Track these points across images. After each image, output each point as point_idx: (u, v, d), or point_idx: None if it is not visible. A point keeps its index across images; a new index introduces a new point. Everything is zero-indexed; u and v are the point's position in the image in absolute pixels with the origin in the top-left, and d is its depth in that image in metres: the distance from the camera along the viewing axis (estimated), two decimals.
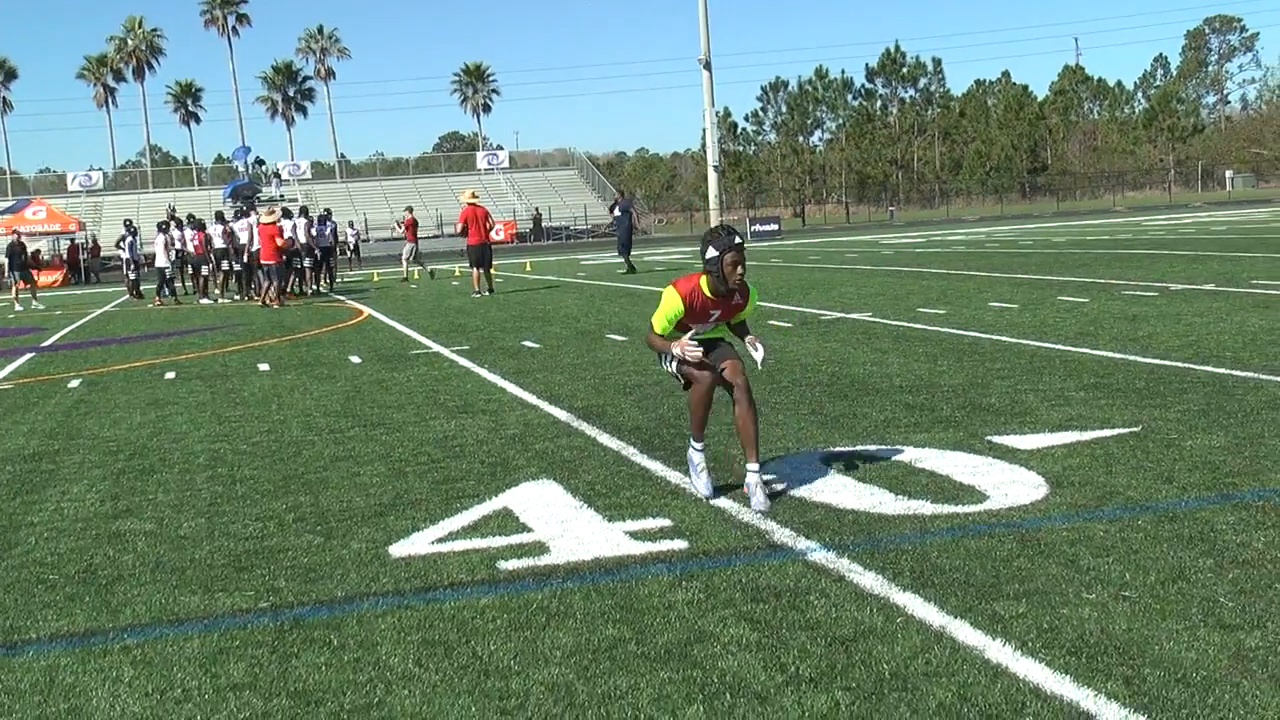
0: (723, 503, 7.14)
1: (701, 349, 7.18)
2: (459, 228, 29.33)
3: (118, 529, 7.47)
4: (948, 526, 6.38)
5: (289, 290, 33.13)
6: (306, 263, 34.11)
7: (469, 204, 28.80)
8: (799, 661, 4.67)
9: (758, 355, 7.40)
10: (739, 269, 7.12)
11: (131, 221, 38.95)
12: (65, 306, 36.56)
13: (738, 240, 7.15)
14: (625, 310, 21.25)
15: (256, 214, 33.02)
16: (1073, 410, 9.27)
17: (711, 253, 7.10)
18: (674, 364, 7.37)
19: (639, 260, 41.01)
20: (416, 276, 39.04)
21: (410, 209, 42.47)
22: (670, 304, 7.23)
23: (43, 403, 13.55)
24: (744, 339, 7.58)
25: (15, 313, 34.41)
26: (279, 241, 29.61)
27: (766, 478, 7.48)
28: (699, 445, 7.50)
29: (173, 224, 35.80)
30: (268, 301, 29.17)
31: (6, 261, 38.81)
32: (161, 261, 34.67)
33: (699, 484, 7.46)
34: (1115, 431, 8.40)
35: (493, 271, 28.84)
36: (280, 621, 5.52)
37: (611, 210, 39.20)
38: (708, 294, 7.24)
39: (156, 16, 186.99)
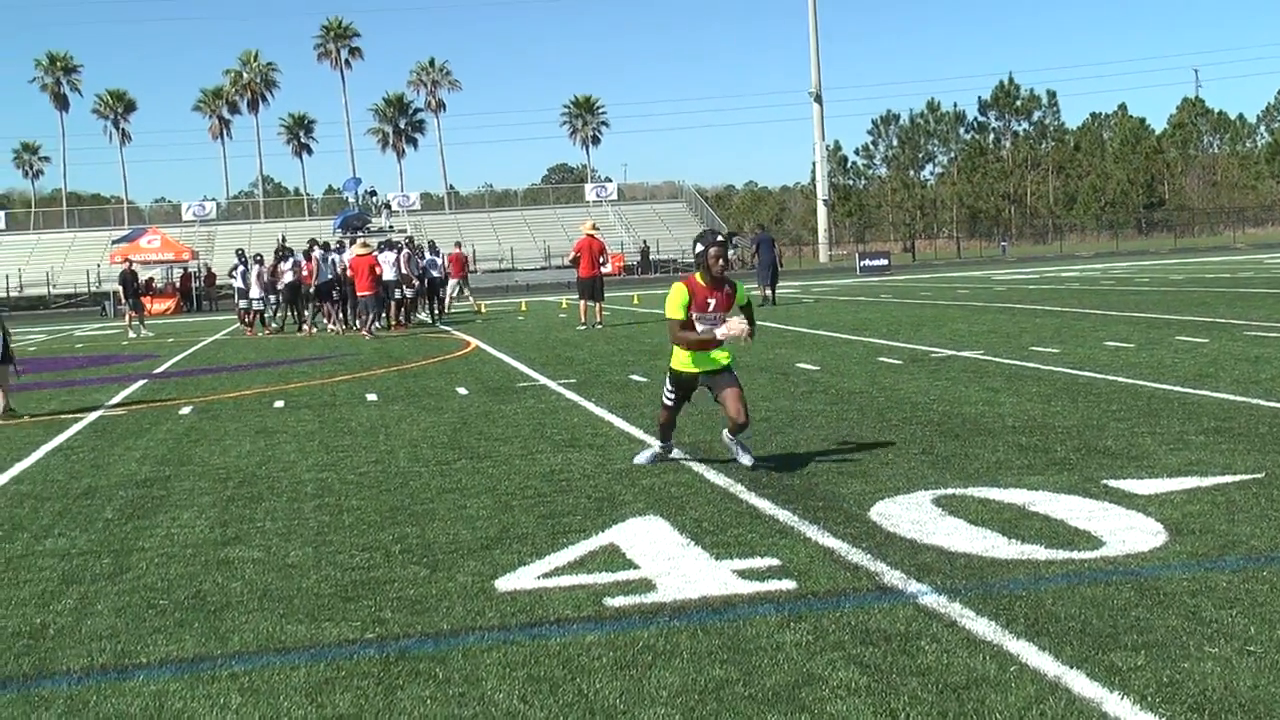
0: (831, 542, 7.06)
1: (744, 327, 9.12)
2: (570, 258, 29.32)
3: (226, 556, 7.55)
4: (1063, 573, 6.25)
5: (398, 321, 33.51)
6: (407, 293, 34.20)
7: (588, 235, 28.81)
8: (909, 708, 4.59)
9: (731, 328, 9.04)
10: (719, 260, 9.05)
11: (243, 251, 39.57)
12: (177, 334, 37.29)
13: (719, 238, 9.12)
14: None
15: (348, 246, 33.27)
16: (1192, 454, 9.06)
17: (699, 248, 9.15)
18: (664, 396, 9.63)
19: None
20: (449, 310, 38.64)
21: (459, 244, 42.45)
22: (677, 292, 9.10)
23: (154, 429, 13.79)
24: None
25: (129, 339, 35.13)
26: (378, 271, 29.92)
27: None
28: (657, 444, 9.95)
29: (285, 252, 36.00)
30: (367, 333, 29.34)
31: (120, 290, 39.50)
32: (255, 292, 34.89)
33: (638, 458, 9.89)
34: (1238, 478, 8.18)
35: (602, 305, 28.84)
36: (386, 653, 5.53)
37: (754, 246, 38.93)
38: (702, 283, 9.16)
39: (271, 50, 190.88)
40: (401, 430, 12.65)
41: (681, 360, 9.35)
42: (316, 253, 33.85)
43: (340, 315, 33.94)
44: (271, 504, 9.15)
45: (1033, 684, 4.76)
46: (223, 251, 54.48)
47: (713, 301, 9.16)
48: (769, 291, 35.06)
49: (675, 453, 10.13)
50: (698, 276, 9.23)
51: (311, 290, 33.75)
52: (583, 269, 28.54)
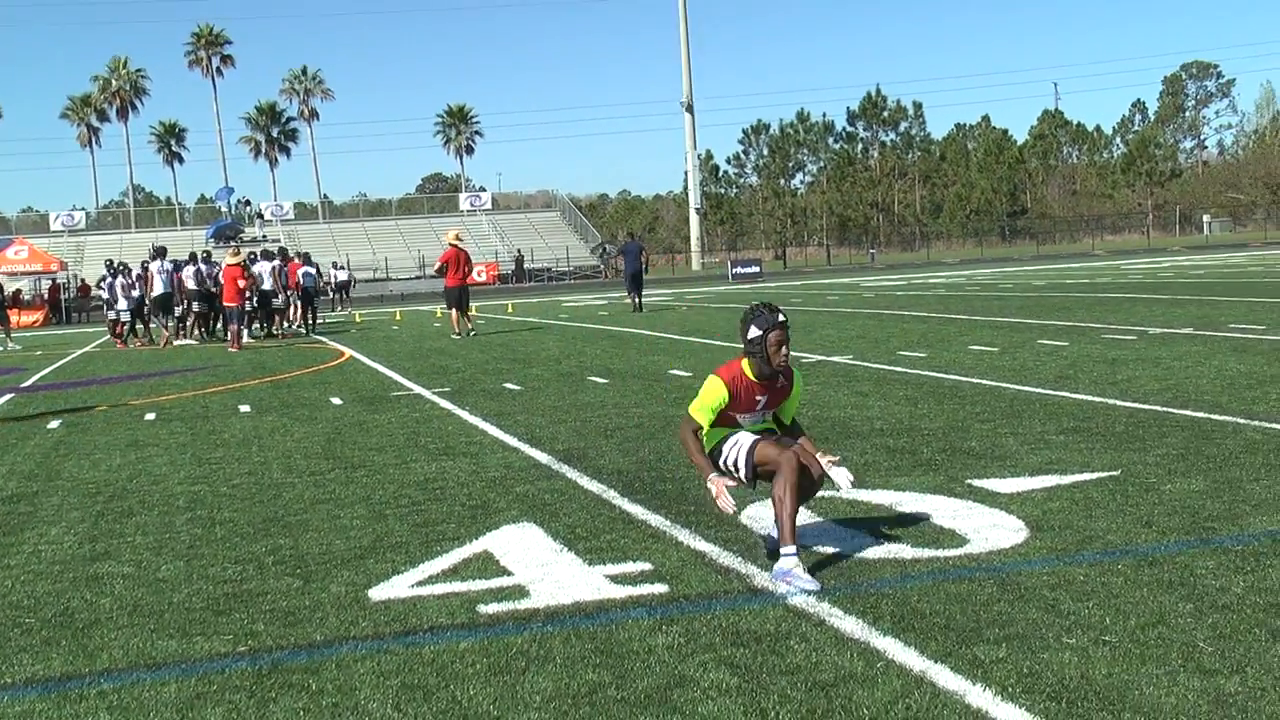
0: (703, 546, 7.12)
1: (742, 453, 6.75)
2: (438, 268, 29.32)
3: (96, 572, 7.41)
4: (928, 570, 6.37)
5: (277, 330, 33.12)
6: (279, 302, 33.86)
7: (452, 245, 28.95)
8: (779, 707, 4.64)
9: (841, 478, 6.61)
10: (784, 349, 6.74)
11: (113, 261, 38.72)
12: (45, 346, 36.39)
13: (782, 318, 6.77)
14: (607, 353, 21.24)
15: (259, 256, 32.73)
16: (1052, 454, 9.29)
17: (754, 332, 6.73)
18: (740, 455, 6.78)
19: (619, 302, 41.13)
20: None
21: (297, 255, 40.75)
22: (714, 392, 6.76)
23: (21, 444, 13.47)
24: (819, 458, 6.70)
25: None
26: (241, 284, 29.50)
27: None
28: (792, 550, 6.36)
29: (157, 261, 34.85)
30: (234, 345, 28.76)
31: None
32: (123, 303, 33.77)
33: (806, 584, 6.22)
34: (1095, 475, 8.41)
35: (473, 313, 28.82)
36: (258, 666, 5.47)
37: (618, 253, 38.99)
38: (751, 378, 6.80)
39: (141, 57, 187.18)
40: (275, 441, 12.51)
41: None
42: (154, 265, 33.19)
43: (200, 327, 33.52)
44: (143, 518, 8.99)
45: (899, 679, 4.84)
46: (92, 262, 53.27)
47: (762, 399, 6.88)
48: (637, 299, 35.41)
49: (544, 458, 10.15)
50: (745, 367, 6.83)
51: (149, 301, 33.16)
52: (450, 278, 28.70)
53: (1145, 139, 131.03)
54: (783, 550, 6.35)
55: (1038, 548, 6.69)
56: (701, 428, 6.84)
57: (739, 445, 6.80)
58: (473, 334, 28.10)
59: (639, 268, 36.42)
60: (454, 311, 28.70)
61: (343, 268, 60.38)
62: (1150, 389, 12.40)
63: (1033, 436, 10.07)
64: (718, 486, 6.63)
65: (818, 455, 6.68)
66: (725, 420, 6.87)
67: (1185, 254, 67.25)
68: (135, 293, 33.49)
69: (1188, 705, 4.43)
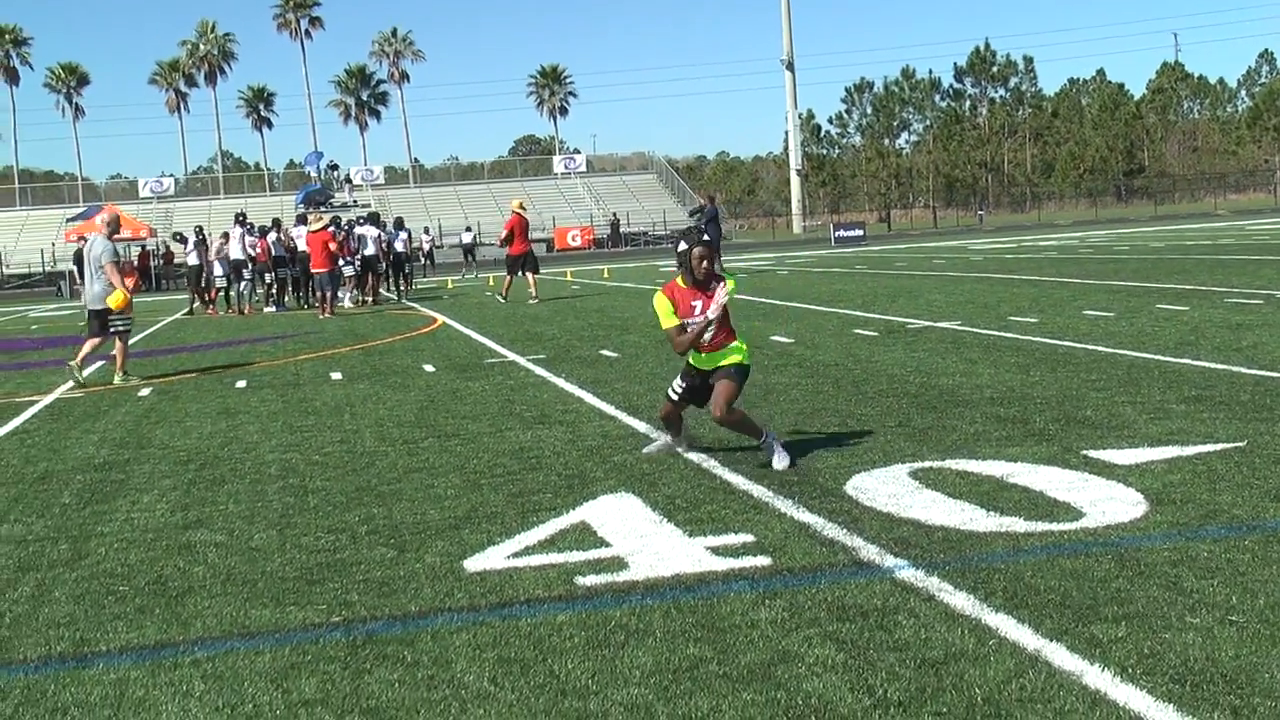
0: (807, 518, 6.98)
1: (675, 390, 8.80)
2: (504, 236, 29.66)
3: (188, 540, 7.43)
4: (1042, 545, 6.18)
5: (374, 298, 33.33)
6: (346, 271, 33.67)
7: (516, 213, 29.53)
8: (887, 684, 4.52)
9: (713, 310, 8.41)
10: (704, 262, 8.45)
11: (202, 229, 39.06)
12: (135, 314, 36.61)
13: (706, 238, 8.61)
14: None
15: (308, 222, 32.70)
16: (1173, 424, 9.00)
17: (682, 247, 8.54)
18: (670, 389, 8.86)
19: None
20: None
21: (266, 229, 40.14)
22: (660, 304, 8.58)
23: (113, 411, 13.61)
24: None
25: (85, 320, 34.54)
26: (331, 247, 29.66)
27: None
28: (666, 436, 9.12)
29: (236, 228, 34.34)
30: (324, 311, 28.94)
31: (76, 269, 38.35)
32: (219, 269, 33.84)
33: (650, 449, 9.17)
34: (1219, 446, 8.12)
35: (536, 277, 29.55)
36: (353, 636, 5.44)
37: (691, 215, 39.14)
38: (683, 286, 8.54)
39: (228, 20, 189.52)
40: (367, 409, 12.51)
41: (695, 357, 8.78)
42: (234, 231, 33.45)
43: (280, 295, 33.97)
44: (234, 486, 9.01)
45: (1012, 657, 4.70)
46: (183, 229, 54.16)
47: (698, 304, 8.49)
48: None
49: (642, 426, 10.05)
50: (679, 280, 8.63)
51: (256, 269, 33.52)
52: (515, 246, 29.25)
53: (1273, 91, 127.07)
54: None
55: (1158, 522, 6.46)
56: (678, 326, 8.55)
57: (676, 387, 8.86)
58: (534, 300, 28.50)
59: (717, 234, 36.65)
60: (509, 277, 29.54)
61: (426, 231, 60.66)
62: (1278, 356, 11.99)
63: (1152, 405, 9.77)
64: (713, 306, 8.39)
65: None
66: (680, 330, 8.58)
67: None
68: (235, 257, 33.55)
69: None
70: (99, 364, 18.56)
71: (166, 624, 5.81)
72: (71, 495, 9.06)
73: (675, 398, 8.79)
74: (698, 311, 8.46)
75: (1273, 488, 6.97)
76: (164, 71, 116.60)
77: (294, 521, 7.75)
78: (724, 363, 8.61)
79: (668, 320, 8.55)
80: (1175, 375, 11.19)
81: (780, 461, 8.31)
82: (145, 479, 9.51)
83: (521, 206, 30.15)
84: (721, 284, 8.52)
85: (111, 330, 16.46)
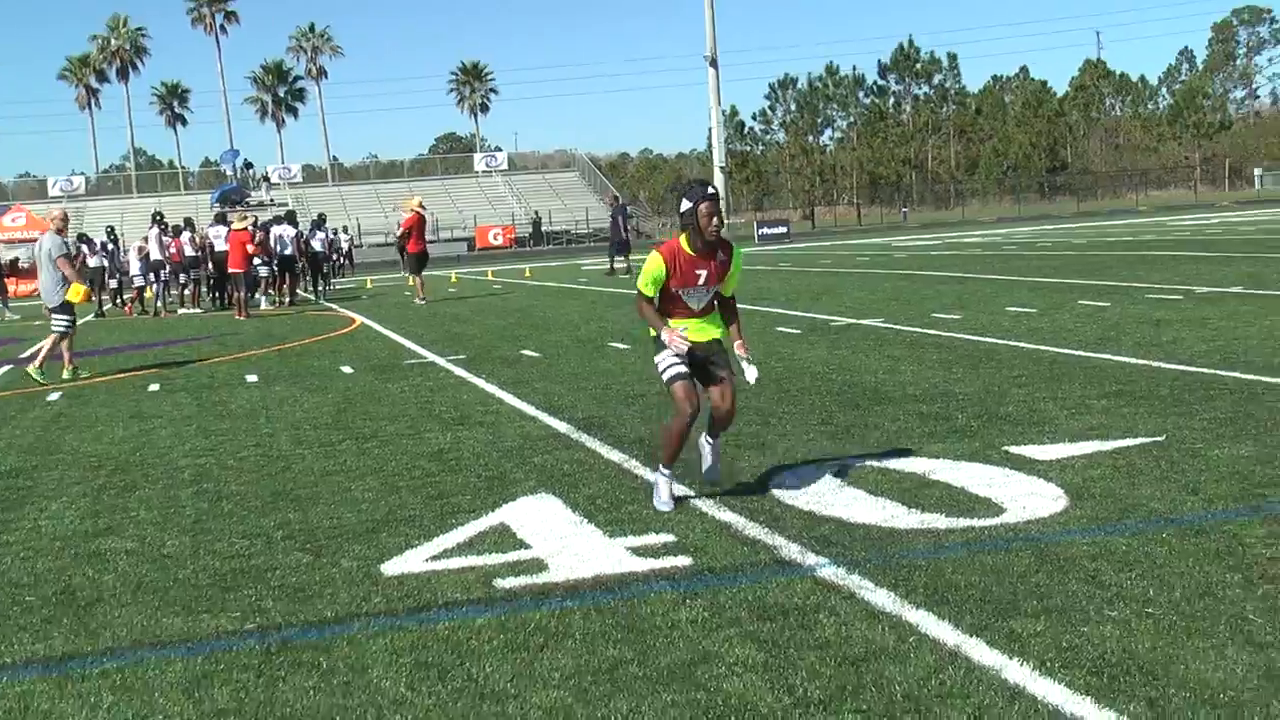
0: (728, 517, 6.96)
1: (677, 368, 7.12)
2: (401, 234, 29.87)
3: (98, 548, 7.28)
4: (963, 541, 6.20)
5: (292, 300, 33.07)
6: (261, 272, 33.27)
7: (415, 211, 29.72)
8: (808, 683, 4.52)
9: (750, 375, 7.18)
10: (714, 219, 7.05)
11: (113, 228, 38.43)
12: (45, 317, 36.01)
13: (711, 191, 7.10)
14: (629, 317, 21.02)
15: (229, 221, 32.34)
16: (1094, 419, 9.06)
17: (686, 204, 7.07)
18: (664, 371, 7.19)
19: (640, 264, 41.00)
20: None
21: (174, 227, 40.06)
22: (652, 264, 7.12)
23: (20, 416, 13.31)
24: (735, 346, 7.39)
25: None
26: (250, 249, 29.38)
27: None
28: (667, 472, 7.35)
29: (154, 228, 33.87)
30: (240, 312, 28.42)
31: None
32: (135, 269, 33.35)
33: (659, 503, 7.28)
34: (1138, 441, 8.19)
35: (491, 277, 29.56)
36: (267, 644, 5.35)
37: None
38: (689, 251, 7.12)
39: (141, 15, 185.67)
40: (283, 412, 12.35)
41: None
42: (151, 232, 33.13)
43: (210, 294, 33.59)
44: (146, 492, 8.84)
45: (932, 654, 4.72)
46: (94, 229, 52.88)
47: (703, 273, 7.13)
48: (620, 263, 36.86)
49: (563, 427, 10.01)
50: (683, 241, 7.14)
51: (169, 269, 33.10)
52: (412, 244, 29.48)
53: (1193, 89, 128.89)
54: (660, 470, 7.32)
55: (1078, 517, 6.50)
56: (652, 299, 7.23)
57: (667, 367, 7.17)
58: (421, 302, 28.63)
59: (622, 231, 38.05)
60: (418, 277, 29.50)
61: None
62: (1197, 351, 12.13)
63: (1073, 401, 9.84)
64: (670, 335, 7.02)
65: (736, 346, 7.34)
66: (674, 299, 7.20)
67: (1235, 209, 66.52)
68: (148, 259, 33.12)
69: (1236, 679, 4.30)
70: (5, 368, 18.26)
71: (74, 634, 5.69)
72: None
73: (682, 374, 7.15)
74: (702, 280, 7.16)
75: (1190, 481, 7.04)
76: (74, 67, 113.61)
77: (208, 527, 7.61)
78: (718, 334, 7.40)
79: (644, 285, 7.19)
80: (1096, 371, 11.29)
81: (714, 473, 7.54)
82: (53, 486, 9.31)
83: (420, 205, 30.38)
84: (729, 256, 7.27)
85: (53, 329, 16.69)
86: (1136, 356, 11.98)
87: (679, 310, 7.24)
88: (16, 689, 5.03)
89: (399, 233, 30.31)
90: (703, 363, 7.21)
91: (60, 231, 16.96)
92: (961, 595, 5.34)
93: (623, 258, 37.15)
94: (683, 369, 7.12)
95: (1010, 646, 4.71)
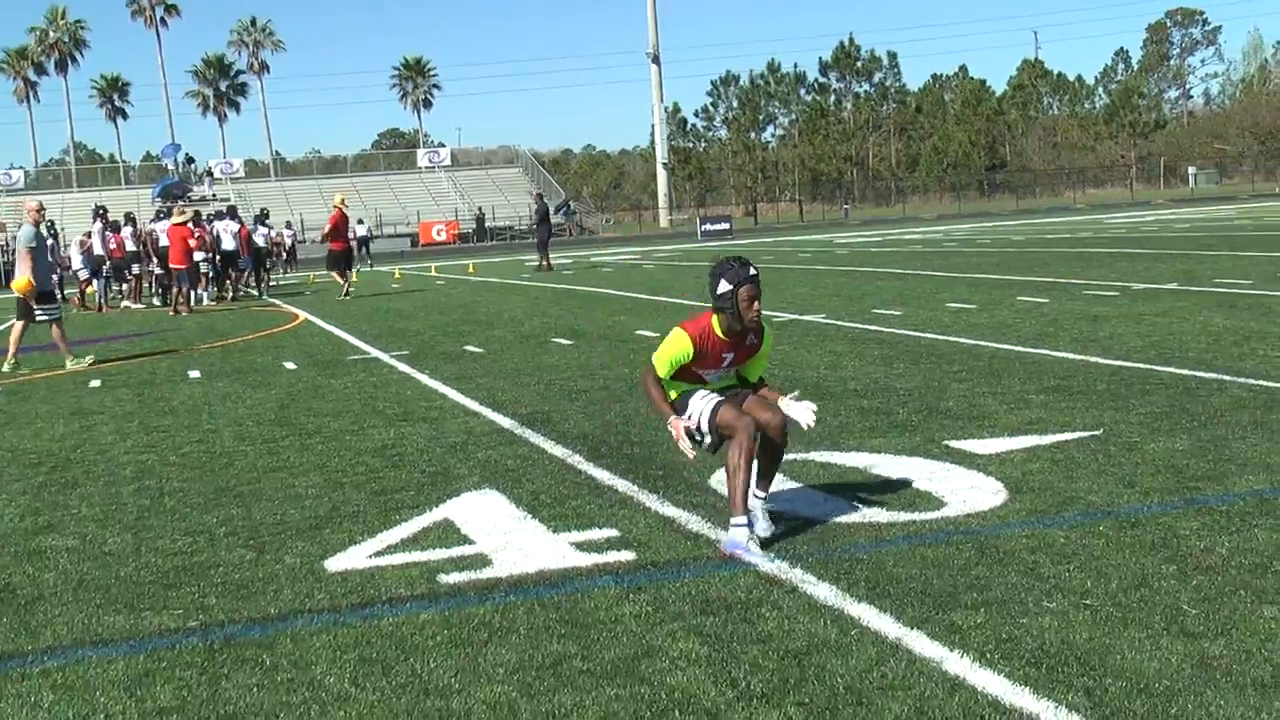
0: (671, 512, 6.98)
1: (707, 411, 6.39)
2: (326, 231, 30.33)
3: (38, 545, 7.20)
4: (904, 534, 6.24)
5: (234, 294, 32.79)
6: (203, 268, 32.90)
7: (338, 208, 30.11)
8: (750, 676, 4.54)
9: (803, 414, 6.37)
10: (755, 304, 6.33)
11: (54, 222, 37.90)
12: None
13: (753, 272, 6.34)
14: (572, 313, 21.05)
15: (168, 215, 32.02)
16: (1032, 413, 9.15)
17: (724, 286, 6.31)
18: (703, 419, 6.42)
19: (584, 260, 41.19)
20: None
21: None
22: (678, 345, 6.39)
23: None
24: (780, 400, 6.51)
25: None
26: (191, 243, 29.12)
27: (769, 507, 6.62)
28: (742, 521, 6.23)
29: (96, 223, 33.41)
30: (178, 308, 28.11)
31: None
32: (78, 262, 32.86)
33: (747, 555, 6.09)
34: (1076, 435, 8.28)
35: (354, 277, 30.52)
36: (210, 641, 5.32)
37: (557, 210, 40.19)
38: (720, 335, 6.42)
39: (80, 7, 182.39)
40: (226, 408, 12.25)
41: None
42: (94, 226, 32.83)
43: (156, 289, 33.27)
44: (87, 489, 8.76)
45: (874, 646, 4.75)
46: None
47: (729, 356, 6.51)
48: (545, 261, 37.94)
49: (506, 422, 9.98)
50: (714, 324, 6.40)
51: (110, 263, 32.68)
52: (336, 242, 29.78)
53: (1128, 89, 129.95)
54: (733, 521, 6.22)
55: (1017, 510, 6.56)
56: (660, 378, 6.52)
57: (702, 409, 6.43)
58: (348, 296, 29.04)
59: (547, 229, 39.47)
60: (340, 276, 29.81)
61: (361, 222, 59.88)
62: (1133, 346, 12.26)
63: (1012, 396, 9.93)
64: (678, 430, 6.37)
65: (779, 400, 6.46)
66: (689, 376, 6.55)
67: (1170, 207, 67.09)
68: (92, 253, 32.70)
69: (1171, 669, 4.35)
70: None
71: (14, 633, 5.63)
72: None
73: (718, 402, 6.46)
74: (725, 365, 6.54)
75: (1127, 474, 7.12)
76: (11, 59, 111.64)
77: (150, 524, 7.55)
78: (730, 384, 6.79)
79: (667, 366, 6.45)
80: (1035, 366, 11.39)
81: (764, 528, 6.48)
82: None
83: (344, 202, 30.66)
84: (759, 339, 6.58)
85: (40, 319, 17.00)
86: (1074, 352, 12.10)
87: (693, 380, 6.61)
88: None
89: (325, 230, 30.36)
90: (733, 400, 6.52)
91: (36, 223, 17.21)
92: (903, 588, 5.38)
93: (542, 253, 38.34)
94: (715, 398, 6.49)
95: (951, 638, 4.75)
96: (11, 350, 16.79)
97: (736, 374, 6.73)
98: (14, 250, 16.55)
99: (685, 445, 6.39)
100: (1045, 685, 4.28)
